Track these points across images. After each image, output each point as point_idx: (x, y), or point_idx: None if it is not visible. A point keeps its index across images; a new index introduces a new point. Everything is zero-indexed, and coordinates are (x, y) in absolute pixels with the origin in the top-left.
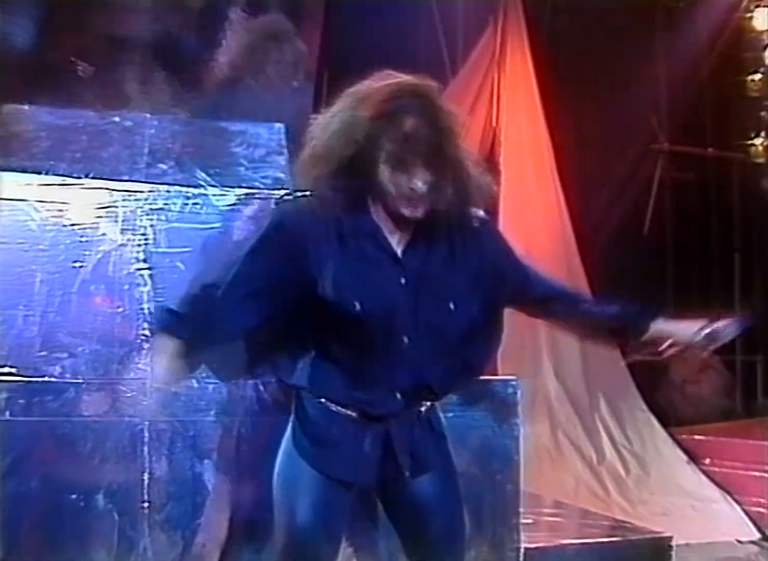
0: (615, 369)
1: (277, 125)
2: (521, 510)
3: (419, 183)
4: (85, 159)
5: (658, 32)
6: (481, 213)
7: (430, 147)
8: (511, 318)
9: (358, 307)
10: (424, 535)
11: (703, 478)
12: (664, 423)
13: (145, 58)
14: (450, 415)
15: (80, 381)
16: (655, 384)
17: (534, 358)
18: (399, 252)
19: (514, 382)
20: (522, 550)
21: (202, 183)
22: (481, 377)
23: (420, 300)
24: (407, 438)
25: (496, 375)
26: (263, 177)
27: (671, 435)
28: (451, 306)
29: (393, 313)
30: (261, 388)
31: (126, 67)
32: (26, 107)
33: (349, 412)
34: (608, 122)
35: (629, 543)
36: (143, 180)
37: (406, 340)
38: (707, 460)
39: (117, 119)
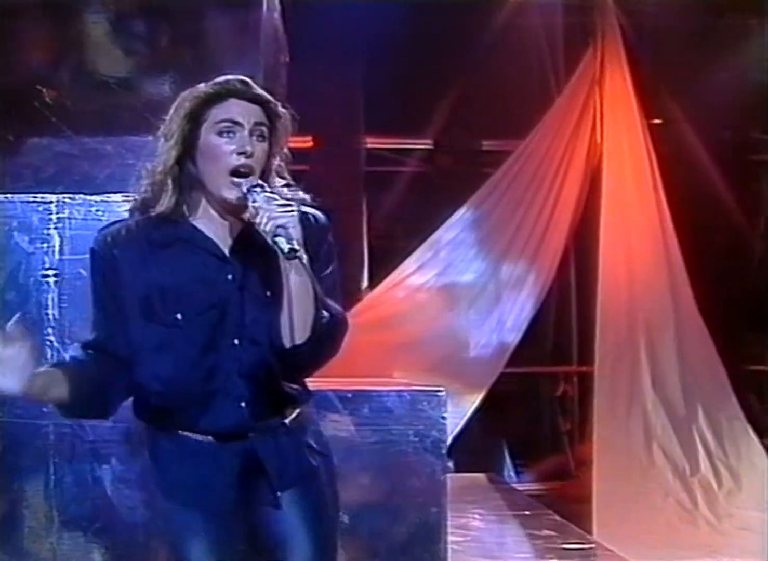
0: (715, 377)
1: None
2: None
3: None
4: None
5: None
6: (320, 215)
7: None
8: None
9: (179, 317)
10: None
11: None
12: (763, 434)
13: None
14: (364, 428)
15: None
16: (759, 393)
17: (632, 358)
18: (227, 251)
19: (441, 394)
20: None
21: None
22: (406, 388)
23: (246, 296)
24: (272, 451)
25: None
26: None
27: (767, 447)
28: (268, 294)
29: (222, 314)
30: None
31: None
32: None
33: (199, 438)
34: (709, 136)
35: None
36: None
37: (236, 342)
38: None
39: None
